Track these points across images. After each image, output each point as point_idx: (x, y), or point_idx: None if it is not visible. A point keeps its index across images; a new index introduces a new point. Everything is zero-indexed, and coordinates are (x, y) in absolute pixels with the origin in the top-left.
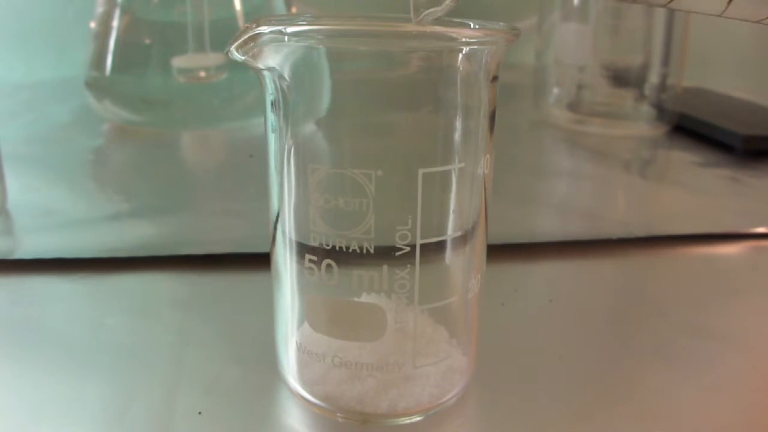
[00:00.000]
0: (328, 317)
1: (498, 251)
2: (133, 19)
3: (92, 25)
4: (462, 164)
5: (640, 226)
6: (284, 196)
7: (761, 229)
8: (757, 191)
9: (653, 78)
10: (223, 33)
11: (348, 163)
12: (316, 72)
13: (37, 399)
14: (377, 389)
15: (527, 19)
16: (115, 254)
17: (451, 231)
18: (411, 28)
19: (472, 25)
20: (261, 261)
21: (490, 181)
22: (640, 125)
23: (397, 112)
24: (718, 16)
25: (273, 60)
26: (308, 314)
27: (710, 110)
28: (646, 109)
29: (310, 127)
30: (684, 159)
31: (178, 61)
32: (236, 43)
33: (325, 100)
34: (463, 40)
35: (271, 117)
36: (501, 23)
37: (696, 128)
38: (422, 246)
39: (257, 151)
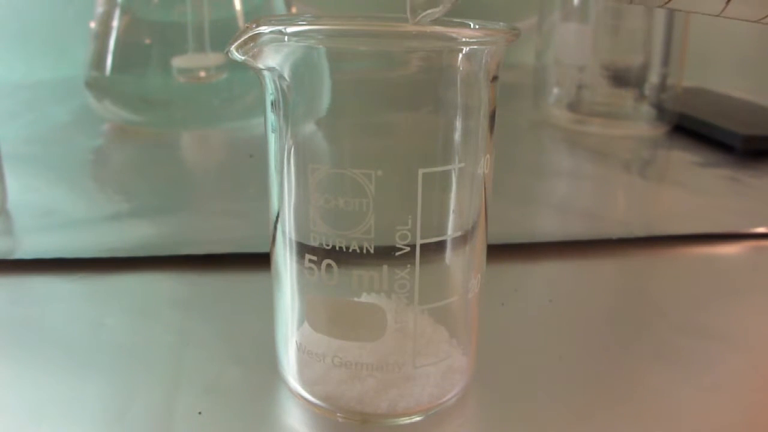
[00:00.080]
0: (328, 317)
1: (498, 251)
2: (133, 19)
3: (92, 25)
4: (462, 164)
5: (640, 226)
6: (284, 196)
7: (761, 229)
8: (757, 191)
9: (653, 78)
10: (223, 33)
11: (348, 163)
12: (316, 72)
13: (37, 399)
14: (377, 389)
15: (527, 19)
16: (115, 254)
17: (451, 231)
18: (411, 28)
19: (472, 25)
20: (261, 261)
21: (490, 181)
22: (640, 125)
23: (397, 112)
24: (717, 15)
25: (273, 60)
26: (308, 314)
27: (710, 110)
28: (646, 109)
29: (310, 127)
30: (684, 159)
31: (178, 61)
32: (236, 43)
33: (325, 100)
34: (463, 40)
35: (271, 117)
36: (501, 23)
37: (696, 128)
38: (422, 246)
39: (257, 151)
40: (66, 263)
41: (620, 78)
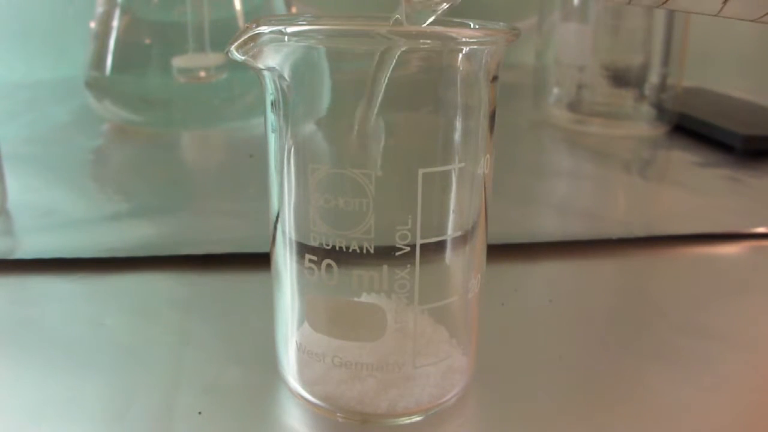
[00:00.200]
0: (328, 317)
1: (498, 251)
2: (133, 19)
3: (92, 25)
4: (462, 164)
5: (640, 226)
6: (284, 196)
7: (761, 229)
8: (757, 191)
9: (653, 78)
10: (223, 33)
11: (348, 163)
12: (316, 72)
13: (37, 399)
14: (377, 389)
15: (527, 19)
16: (115, 254)
17: (451, 231)
18: (411, 28)
19: (472, 25)
20: (261, 261)
21: (490, 181)
22: (640, 125)
23: (397, 112)
24: (714, 15)
25: (273, 60)
26: (308, 314)
27: (710, 110)
28: (646, 109)
29: (310, 127)
30: (684, 159)
31: (178, 61)
32: (236, 43)
33: (325, 100)
34: (463, 40)
35: (271, 117)
36: (501, 23)
37: (696, 128)
38: (422, 246)
39: (257, 151)
40: (66, 263)
41: (620, 78)
